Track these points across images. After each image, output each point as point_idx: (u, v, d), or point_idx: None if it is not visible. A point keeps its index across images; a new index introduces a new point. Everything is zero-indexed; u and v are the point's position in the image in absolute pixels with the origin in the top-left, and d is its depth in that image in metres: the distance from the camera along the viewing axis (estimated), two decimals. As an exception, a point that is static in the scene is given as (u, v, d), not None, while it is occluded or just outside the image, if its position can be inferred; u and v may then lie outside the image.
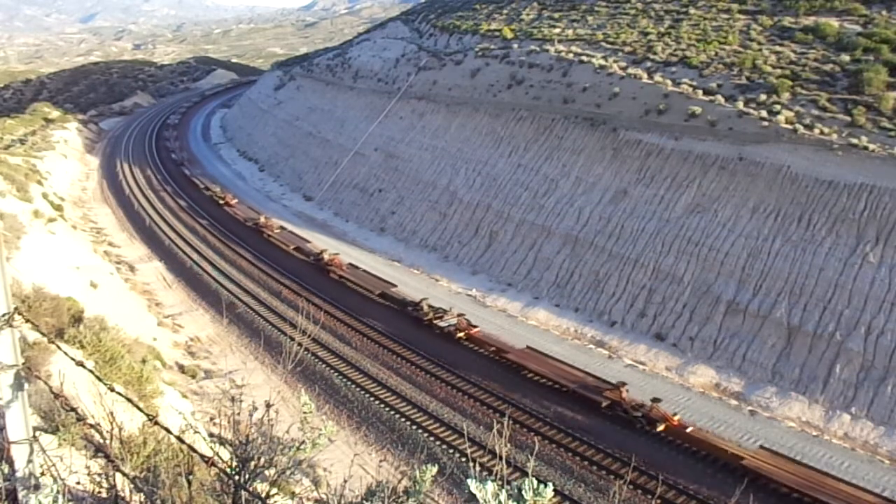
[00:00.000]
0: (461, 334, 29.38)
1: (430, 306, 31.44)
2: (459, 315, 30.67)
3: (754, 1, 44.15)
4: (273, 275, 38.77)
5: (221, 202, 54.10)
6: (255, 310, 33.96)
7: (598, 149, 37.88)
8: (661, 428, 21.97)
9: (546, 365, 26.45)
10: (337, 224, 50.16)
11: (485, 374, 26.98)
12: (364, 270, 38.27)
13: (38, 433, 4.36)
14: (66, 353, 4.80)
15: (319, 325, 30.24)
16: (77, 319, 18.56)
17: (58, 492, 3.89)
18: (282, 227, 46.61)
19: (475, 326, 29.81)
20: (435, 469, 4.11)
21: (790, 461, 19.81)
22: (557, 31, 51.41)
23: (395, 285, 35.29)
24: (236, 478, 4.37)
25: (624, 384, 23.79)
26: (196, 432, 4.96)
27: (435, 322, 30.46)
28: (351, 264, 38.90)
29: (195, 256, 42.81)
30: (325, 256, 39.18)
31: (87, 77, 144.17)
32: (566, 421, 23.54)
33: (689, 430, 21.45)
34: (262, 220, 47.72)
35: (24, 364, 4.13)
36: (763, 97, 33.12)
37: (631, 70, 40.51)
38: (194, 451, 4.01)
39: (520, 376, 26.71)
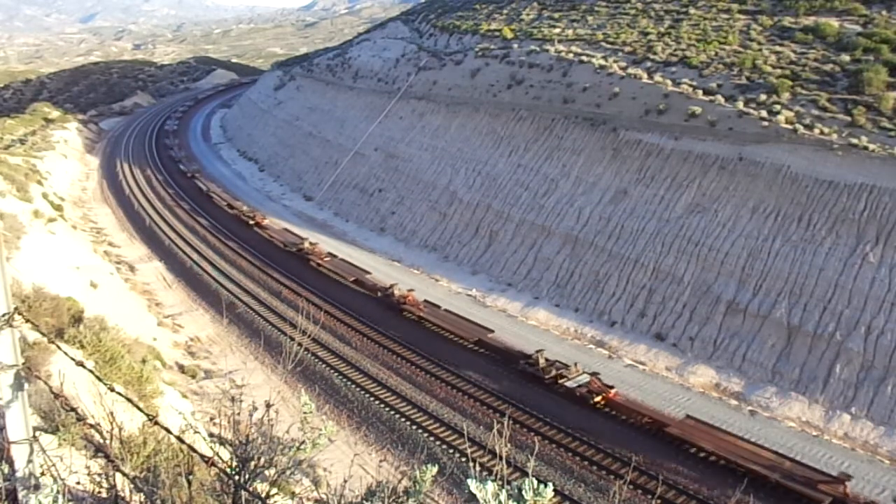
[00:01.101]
0: (597, 399, 23.56)
1: (547, 360, 25.85)
2: (592, 375, 24.64)
3: (754, 1, 44.15)
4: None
5: (251, 222, 48.13)
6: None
7: (598, 149, 37.88)
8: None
9: (721, 442, 20.79)
10: (337, 224, 50.16)
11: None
12: (447, 310, 31.97)
13: (38, 433, 4.35)
14: (66, 353, 4.80)
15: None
16: (77, 319, 18.56)
17: (58, 492, 3.89)
18: (331, 255, 40.43)
19: (611, 387, 23.94)
20: (435, 469, 4.11)
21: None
22: (557, 31, 51.41)
23: (491, 330, 29.39)
24: (236, 478, 4.37)
25: (848, 476, 18.57)
26: (196, 432, 4.96)
27: (559, 381, 24.63)
28: (427, 301, 32.84)
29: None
30: (396, 292, 33.41)
31: (87, 77, 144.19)
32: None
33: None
34: (307, 245, 41.48)
35: (24, 364, 4.13)
36: (763, 97, 33.12)
37: (631, 70, 40.51)
38: (194, 451, 4.01)
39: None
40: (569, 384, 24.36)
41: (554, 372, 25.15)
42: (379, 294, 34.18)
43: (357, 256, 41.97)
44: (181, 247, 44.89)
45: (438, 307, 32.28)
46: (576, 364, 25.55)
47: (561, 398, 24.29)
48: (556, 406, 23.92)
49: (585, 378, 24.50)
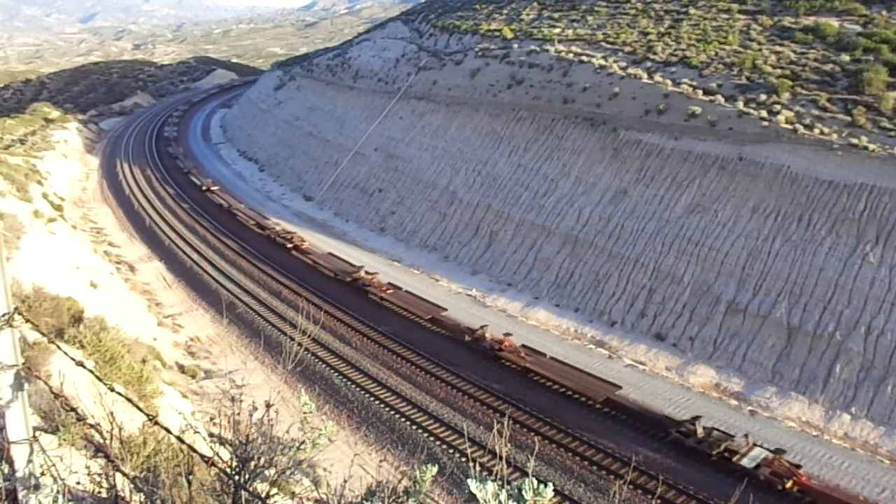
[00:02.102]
0: (788, 484, 18.81)
1: (708, 428, 21.10)
2: (775, 454, 19.64)
3: (754, 1, 44.15)
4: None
5: (289, 245, 42.82)
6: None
7: (598, 149, 37.88)
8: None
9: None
10: (337, 224, 50.17)
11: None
12: (553, 358, 26.91)
13: (38, 433, 4.35)
14: (66, 353, 4.80)
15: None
16: (77, 319, 18.56)
17: (58, 492, 3.89)
18: (392, 286, 34.89)
19: (798, 466, 19.41)
20: (435, 469, 4.11)
21: (533, 351, 26.98)
22: (557, 31, 51.41)
23: (619, 386, 24.44)
24: (236, 478, 4.37)
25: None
26: (196, 432, 4.96)
27: (734, 460, 19.74)
28: (527, 346, 27.62)
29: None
30: (487, 335, 28.30)
31: (87, 77, 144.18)
32: None
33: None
34: (364, 274, 36.20)
35: (24, 364, 4.13)
36: (763, 97, 33.12)
37: (631, 70, 40.51)
38: (194, 451, 4.01)
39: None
40: (744, 463, 19.49)
41: (722, 446, 20.05)
42: (467, 338, 28.76)
43: (357, 256, 41.96)
44: (182, 248, 44.87)
45: (543, 354, 26.92)
46: (747, 436, 20.58)
47: (736, 480, 18.79)
48: (723, 486, 18.92)
49: (758, 453, 19.71)
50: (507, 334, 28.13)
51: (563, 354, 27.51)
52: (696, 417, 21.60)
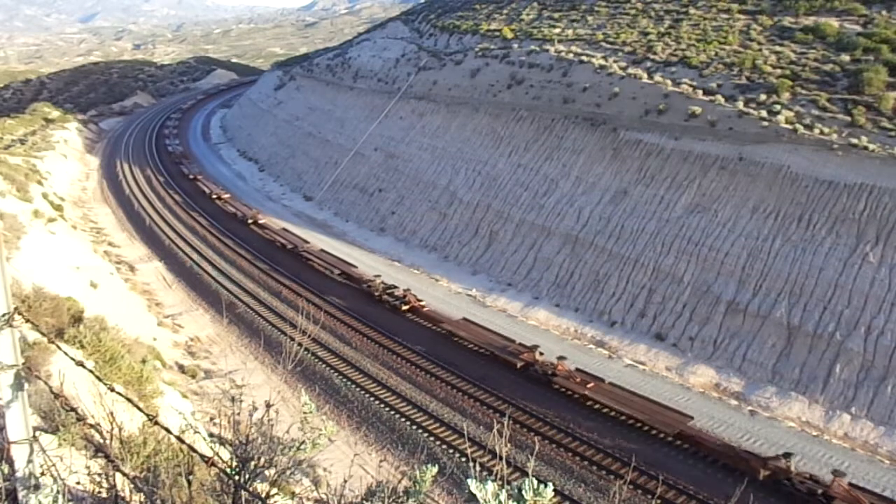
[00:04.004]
0: None
1: (803, 474, 18.91)
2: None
3: (754, 1, 44.15)
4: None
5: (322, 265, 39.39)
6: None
7: (598, 149, 37.88)
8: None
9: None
10: (337, 224, 50.17)
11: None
12: (613, 384, 24.67)
13: (38, 433, 4.35)
14: (66, 353, 4.79)
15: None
16: (77, 319, 18.55)
17: (58, 492, 3.90)
18: (467, 320, 30.90)
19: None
20: (435, 469, 4.11)
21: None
22: (557, 31, 51.41)
23: (690, 417, 22.43)
24: (236, 478, 4.37)
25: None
26: (196, 432, 4.95)
27: None
28: (582, 370, 25.49)
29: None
30: (537, 357, 26.01)
31: (87, 77, 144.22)
32: None
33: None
34: (410, 297, 33.17)
35: (24, 364, 4.13)
36: (763, 97, 33.13)
37: (631, 70, 40.51)
38: (194, 451, 4.01)
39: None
40: None
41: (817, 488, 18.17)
42: (519, 364, 26.09)
43: (357, 256, 41.98)
44: (181, 247, 44.88)
45: (601, 380, 24.59)
46: (836, 473, 18.53)
47: None
48: None
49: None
50: (561, 358, 25.64)
51: (563, 354, 27.44)
52: (787, 454, 19.27)
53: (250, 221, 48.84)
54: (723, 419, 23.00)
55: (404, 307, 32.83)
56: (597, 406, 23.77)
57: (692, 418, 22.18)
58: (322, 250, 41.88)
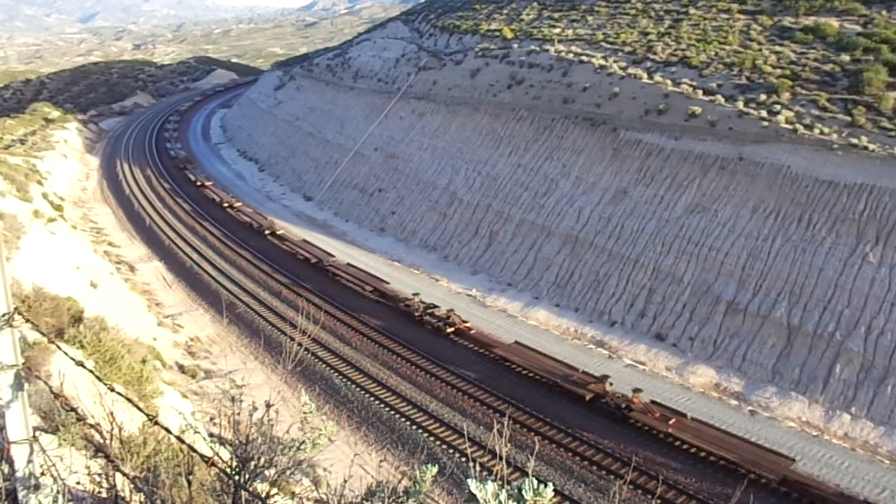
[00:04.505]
0: None
1: None
2: None
3: (754, 1, 44.15)
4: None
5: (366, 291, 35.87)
6: None
7: (598, 149, 37.88)
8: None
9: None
10: (337, 224, 50.17)
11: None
12: (700, 421, 22.36)
13: (38, 433, 4.36)
14: (66, 353, 4.79)
15: None
16: (77, 319, 18.55)
17: (58, 492, 3.90)
18: (520, 344, 28.34)
19: None
20: (435, 469, 4.11)
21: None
22: (557, 31, 51.42)
23: (792, 459, 20.22)
24: (236, 478, 4.37)
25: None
26: (196, 432, 4.95)
27: None
28: (657, 403, 23.28)
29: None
30: (607, 387, 23.98)
31: (87, 77, 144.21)
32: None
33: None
34: (455, 318, 30.62)
35: (24, 364, 4.13)
36: (763, 97, 33.13)
37: (631, 70, 40.51)
38: (194, 451, 4.01)
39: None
40: None
41: None
42: (588, 396, 23.94)
43: (357, 256, 41.97)
44: (181, 247, 44.84)
45: (683, 415, 22.33)
46: None
47: None
48: None
49: None
50: (637, 390, 23.33)
51: (563, 354, 27.45)
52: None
53: (267, 232, 45.77)
54: (722, 419, 23.00)
55: (448, 329, 30.14)
56: (677, 442, 21.52)
57: (794, 461, 19.94)
58: (349, 264, 38.99)
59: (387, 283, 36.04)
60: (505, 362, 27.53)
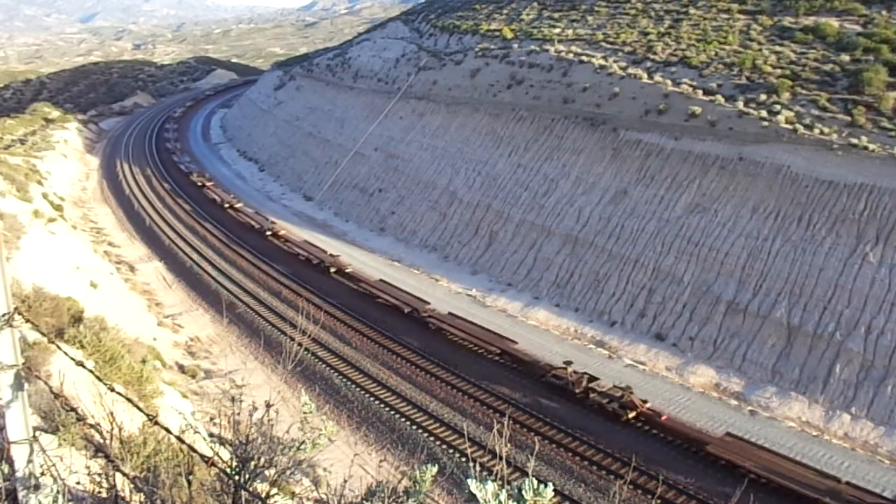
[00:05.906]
0: None
1: None
2: None
3: (754, 1, 44.14)
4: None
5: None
6: None
7: (598, 149, 37.88)
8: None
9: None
10: (337, 224, 50.17)
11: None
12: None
13: (38, 433, 4.35)
14: (66, 353, 4.79)
15: None
16: (77, 319, 18.55)
17: (58, 492, 3.90)
18: (739, 438, 21.51)
19: None
20: (435, 469, 4.11)
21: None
22: (557, 31, 51.41)
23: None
24: (236, 478, 4.37)
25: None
26: (196, 432, 4.95)
27: None
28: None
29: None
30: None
31: (87, 77, 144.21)
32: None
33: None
34: (635, 399, 22.96)
35: (24, 364, 4.13)
36: (763, 97, 33.12)
37: (631, 70, 40.51)
38: (194, 451, 4.01)
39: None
40: None
41: None
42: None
43: (358, 256, 41.96)
44: (181, 247, 44.83)
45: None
46: None
47: None
48: None
49: None
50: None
51: (563, 354, 27.38)
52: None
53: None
54: (722, 419, 23.00)
55: (630, 414, 22.57)
56: (717, 459, 20.15)
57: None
58: (451, 314, 31.44)
59: (514, 342, 28.19)
60: (721, 460, 20.27)
